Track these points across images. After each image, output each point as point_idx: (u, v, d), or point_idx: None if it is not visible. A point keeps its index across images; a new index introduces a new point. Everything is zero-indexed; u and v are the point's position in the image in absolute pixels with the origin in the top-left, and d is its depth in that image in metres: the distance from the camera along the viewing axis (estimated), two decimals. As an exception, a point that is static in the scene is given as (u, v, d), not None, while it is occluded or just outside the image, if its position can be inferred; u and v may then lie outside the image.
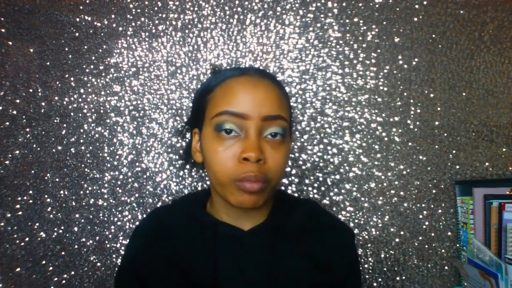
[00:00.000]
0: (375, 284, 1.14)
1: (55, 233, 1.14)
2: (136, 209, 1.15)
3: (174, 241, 0.72)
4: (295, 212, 0.75)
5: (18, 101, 1.15)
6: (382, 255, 1.15)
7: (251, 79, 0.65)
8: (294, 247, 0.71)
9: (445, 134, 1.15)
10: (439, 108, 1.16)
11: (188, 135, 0.90)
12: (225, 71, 0.71)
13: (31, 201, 1.14)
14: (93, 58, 1.16)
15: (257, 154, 0.60)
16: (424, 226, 1.15)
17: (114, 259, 1.14)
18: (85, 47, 1.16)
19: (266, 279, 0.67)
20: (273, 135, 0.63)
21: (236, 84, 0.65)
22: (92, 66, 1.16)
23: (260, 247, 0.69)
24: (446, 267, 1.15)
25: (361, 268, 1.06)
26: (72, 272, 1.13)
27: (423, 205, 1.15)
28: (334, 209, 1.15)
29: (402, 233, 1.15)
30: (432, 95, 1.16)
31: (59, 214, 1.14)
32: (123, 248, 1.14)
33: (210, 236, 0.69)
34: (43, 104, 1.15)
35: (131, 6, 1.16)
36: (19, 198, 1.14)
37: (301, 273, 0.69)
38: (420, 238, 1.15)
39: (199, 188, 1.16)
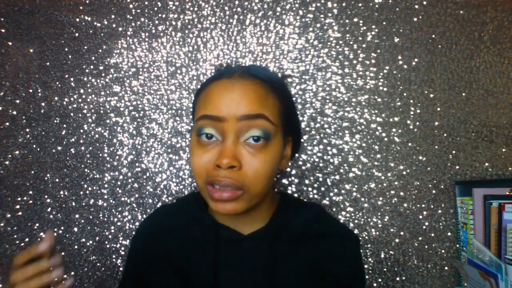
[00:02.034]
0: (375, 285, 1.14)
1: (55, 234, 1.14)
2: (136, 209, 1.15)
3: (174, 242, 0.72)
4: (298, 217, 0.73)
5: (18, 101, 1.15)
6: (382, 256, 1.15)
7: (230, 81, 0.63)
8: (295, 253, 0.69)
9: (445, 135, 1.15)
10: (439, 109, 1.16)
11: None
12: (215, 73, 0.70)
13: (31, 202, 1.14)
14: (93, 58, 1.16)
15: (229, 161, 0.58)
16: (424, 227, 1.15)
17: (114, 260, 1.14)
18: (85, 47, 1.16)
19: (266, 284, 0.66)
20: (255, 139, 0.60)
21: (214, 87, 0.63)
22: (92, 67, 1.16)
23: (259, 252, 0.68)
24: (446, 268, 1.15)
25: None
26: (72, 273, 1.13)
27: (423, 205, 1.15)
28: (334, 209, 1.15)
29: (402, 233, 1.15)
30: (432, 95, 1.16)
31: (59, 215, 1.14)
32: (123, 248, 1.15)
33: (211, 238, 0.69)
34: (43, 104, 1.15)
35: (131, 6, 1.16)
36: (19, 199, 1.14)
37: (301, 280, 0.68)
38: (420, 238, 1.15)
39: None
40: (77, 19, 1.16)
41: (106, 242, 1.14)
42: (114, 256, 1.14)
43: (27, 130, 1.15)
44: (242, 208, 0.62)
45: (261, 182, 0.61)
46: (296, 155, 1.15)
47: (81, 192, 1.15)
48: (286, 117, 0.67)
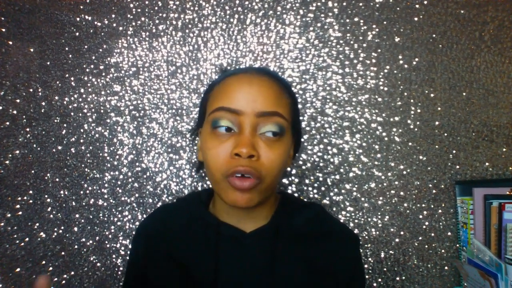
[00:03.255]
0: (375, 284, 1.14)
1: (55, 233, 1.14)
2: (136, 209, 1.15)
3: (176, 240, 0.73)
4: (299, 216, 0.74)
5: (18, 101, 1.15)
6: (382, 255, 1.15)
7: (247, 76, 0.65)
8: (296, 251, 0.70)
9: (445, 134, 1.15)
10: (439, 108, 1.15)
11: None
12: (228, 70, 0.72)
13: (31, 201, 1.14)
14: (93, 57, 1.16)
15: (249, 149, 0.59)
16: (424, 226, 1.15)
17: (114, 259, 1.14)
18: (85, 46, 1.16)
19: (266, 282, 0.67)
20: (272, 134, 0.62)
21: (232, 81, 0.65)
22: (92, 66, 1.16)
23: (260, 250, 0.69)
24: (446, 267, 1.15)
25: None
26: (72, 272, 1.13)
27: (423, 205, 1.15)
28: (334, 209, 1.15)
29: (402, 233, 1.15)
30: (432, 95, 1.16)
31: (59, 214, 1.14)
32: (123, 248, 1.15)
33: (212, 236, 0.69)
34: (43, 104, 1.15)
35: (131, 5, 1.16)
36: (19, 198, 1.14)
37: (301, 278, 0.69)
38: (420, 238, 1.15)
39: (199, 188, 1.16)
40: (78, 19, 1.16)
41: (106, 242, 1.14)
42: (114, 256, 1.14)
43: (28, 129, 1.15)
44: (256, 199, 0.62)
45: (275, 174, 0.63)
46: (297, 155, 1.15)
47: (81, 192, 1.15)
48: (294, 117, 0.69)
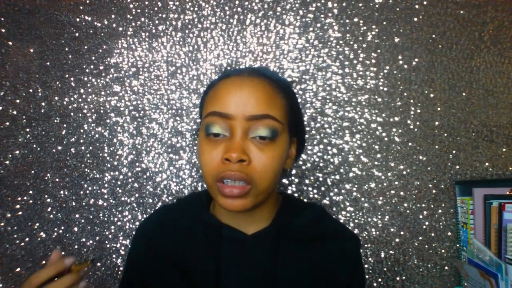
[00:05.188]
0: (375, 284, 1.14)
1: (55, 233, 1.14)
2: (136, 209, 1.15)
3: (176, 241, 0.72)
4: (300, 218, 0.74)
5: (18, 101, 1.15)
6: (382, 255, 1.15)
7: (239, 79, 0.64)
8: (298, 253, 0.70)
9: (445, 134, 1.15)
10: (439, 108, 1.16)
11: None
12: (225, 71, 0.71)
13: (31, 201, 1.14)
14: (93, 58, 1.16)
15: (239, 154, 0.59)
16: (424, 226, 1.15)
17: (114, 259, 1.14)
18: (85, 47, 1.16)
19: (268, 284, 0.67)
20: (263, 137, 0.61)
21: (225, 85, 0.64)
22: (92, 66, 1.16)
23: (262, 252, 0.68)
24: (446, 267, 1.15)
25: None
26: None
27: (423, 205, 1.15)
28: (334, 209, 1.15)
29: (402, 233, 1.15)
30: (432, 95, 1.16)
31: (59, 214, 1.14)
32: (123, 248, 1.15)
33: (214, 238, 0.69)
34: (43, 104, 1.15)
35: (131, 6, 1.16)
36: (19, 198, 1.14)
37: (303, 279, 0.69)
38: (420, 238, 1.15)
39: (199, 188, 1.16)
40: (77, 19, 1.16)
41: (106, 242, 1.14)
42: (114, 256, 1.14)
43: (27, 130, 1.15)
44: (251, 204, 0.62)
45: (269, 177, 0.62)
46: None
47: (81, 192, 1.15)
48: (292, 117, 0.68)
